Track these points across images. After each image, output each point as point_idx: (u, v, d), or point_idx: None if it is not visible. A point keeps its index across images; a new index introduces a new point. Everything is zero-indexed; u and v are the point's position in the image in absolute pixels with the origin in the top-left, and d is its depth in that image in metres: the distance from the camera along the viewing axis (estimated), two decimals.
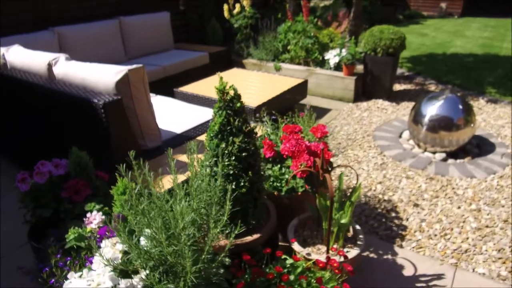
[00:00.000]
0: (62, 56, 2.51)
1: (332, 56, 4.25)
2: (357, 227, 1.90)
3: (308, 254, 1.72)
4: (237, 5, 4.90)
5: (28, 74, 2.63)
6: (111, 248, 1.31)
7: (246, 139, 1.66)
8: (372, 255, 2.17)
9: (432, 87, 4.80)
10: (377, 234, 2.34)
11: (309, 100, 4.44)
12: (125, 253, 1.31)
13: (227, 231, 1.62)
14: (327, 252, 1.76)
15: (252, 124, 2.50)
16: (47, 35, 3.76)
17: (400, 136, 3.46)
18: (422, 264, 2.09)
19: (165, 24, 4.88)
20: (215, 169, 1.67)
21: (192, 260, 1.22)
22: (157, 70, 4.18)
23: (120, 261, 1.28)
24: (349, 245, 1.81)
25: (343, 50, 4.13)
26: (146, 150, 2.37)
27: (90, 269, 1.24)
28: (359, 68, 4.31)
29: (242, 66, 5.00)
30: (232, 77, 4.11)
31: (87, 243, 1.40)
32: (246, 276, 1.47)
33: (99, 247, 1.32)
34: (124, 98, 2.19)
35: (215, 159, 1.66)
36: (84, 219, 1.55)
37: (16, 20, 3.86)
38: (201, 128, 2.73)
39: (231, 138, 1.64)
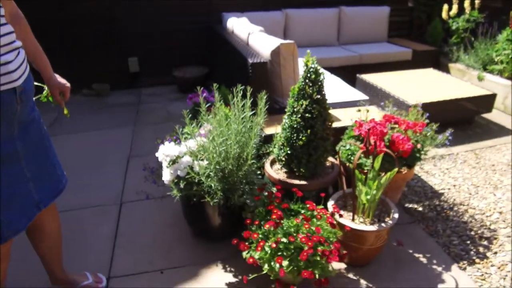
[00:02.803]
0: (257, 29, 3.44)
1: None
2: (396, 215, 2.03)
3: (333, 213, 2.04)
4: (454, 7, 4.64)
5: (239, 39, 3.71)
6: (195, 142, 2.10)
7: (313, 105, 2.10)
8: (423, 259, 2.18)
9: None
10: (448, 249, 2.26)
11: (496, 117, 3.98)
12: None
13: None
14: (353, 218, 2.02)
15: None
16: (278, 15, 4.85)
17: None
18: None
19: (382, 18, 5.20)
20: (286, 121, 2.20)
21: (221, 160, 1.87)
22: (353, 57, 4.67)
23: (194, 149, 2.07)
24: (375, 224, 1.99)
25: None
26: (281, 107, 3.05)
27: (176, 144, 2.08)
28: None
29: (447, 69, 4.77)
30: (419, 75, 4.14)
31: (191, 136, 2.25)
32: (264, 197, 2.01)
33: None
34: (274, 64, 2.91)
35: (289, 113, 2.19)
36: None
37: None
38: (339, 105, 3.14)
39: (302, 100, 2.12)
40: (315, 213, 1.88)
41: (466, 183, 2.88)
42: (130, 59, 4.93)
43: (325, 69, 4.05)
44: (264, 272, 1.78)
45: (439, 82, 3.92)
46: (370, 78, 4.03)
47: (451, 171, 3.04)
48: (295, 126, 2.14)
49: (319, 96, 2.11)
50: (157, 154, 2.07)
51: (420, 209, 2.62)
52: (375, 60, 4.73)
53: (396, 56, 4.78)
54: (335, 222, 1.88)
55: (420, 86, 3.80)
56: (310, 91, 2.10)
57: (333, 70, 4.37)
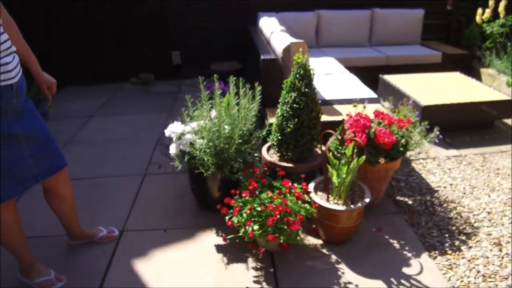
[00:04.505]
0: (279, 28, 3.73)
1: None
2: (367, 200, 2.23)
3: (310, 191, 2.29)
4: (487, 11, 4.54)
5: (264, 37, 4.03)
6: (197, 124, 2.46)
7: (301, 97, 2.37)
8: (397, 245, 2.35)
9: None
10: (424, 239, 2.42)
11: None
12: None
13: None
14: (327, 198, 2.27)
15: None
16: (310, 15, 5.08)
17: None
18: (430, 275, 2.12)
19: (416, 21, 5.21)
20: (278, 110, 2.49)
21: (221, 139, 2.22)
22: (380, 58, 4.78)
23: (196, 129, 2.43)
24: (344, 204, 2.21)
25: None
26: None
27: (185, 124, 2.46)
28: None
29: (478, 74, 4.71)
30: (442, 78, 4.18)
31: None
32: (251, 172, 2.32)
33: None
34: (286, 60, 3.19)
35: (281, 104, 2.48)
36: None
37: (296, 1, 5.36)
38: (346, 101, 3.34)
39: (291, 93, 2.40)
40: (285, 188, 2.16)
41: (463, 183, 2.97)
42: (173, 52, 5.44)
43: (351, 68, 4.26)
44: (240, 234, 2.10)
45: (460, 85, 3.94)
46: (391, 78, 4.15)
47: (452, 171, 3.13)
48: (285, 115, 2.43)
49: (307, 90, 2.37)
50: (165, 130, 2.46)
51: (410, 202, 2.78)
52: (402, 61, 4.79)
53: (424, 58, 4.80)
54: (306, 198, 2.15)
55: (440, 88, 3.86)
56: (299, 85, 2.37)
57: (361, 70, 4.53)
